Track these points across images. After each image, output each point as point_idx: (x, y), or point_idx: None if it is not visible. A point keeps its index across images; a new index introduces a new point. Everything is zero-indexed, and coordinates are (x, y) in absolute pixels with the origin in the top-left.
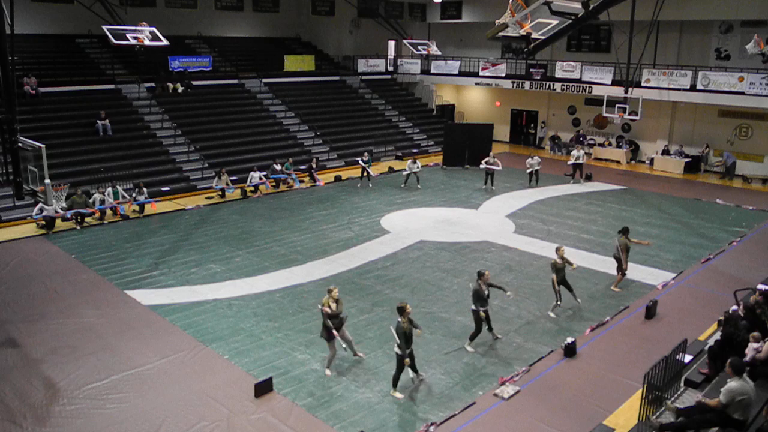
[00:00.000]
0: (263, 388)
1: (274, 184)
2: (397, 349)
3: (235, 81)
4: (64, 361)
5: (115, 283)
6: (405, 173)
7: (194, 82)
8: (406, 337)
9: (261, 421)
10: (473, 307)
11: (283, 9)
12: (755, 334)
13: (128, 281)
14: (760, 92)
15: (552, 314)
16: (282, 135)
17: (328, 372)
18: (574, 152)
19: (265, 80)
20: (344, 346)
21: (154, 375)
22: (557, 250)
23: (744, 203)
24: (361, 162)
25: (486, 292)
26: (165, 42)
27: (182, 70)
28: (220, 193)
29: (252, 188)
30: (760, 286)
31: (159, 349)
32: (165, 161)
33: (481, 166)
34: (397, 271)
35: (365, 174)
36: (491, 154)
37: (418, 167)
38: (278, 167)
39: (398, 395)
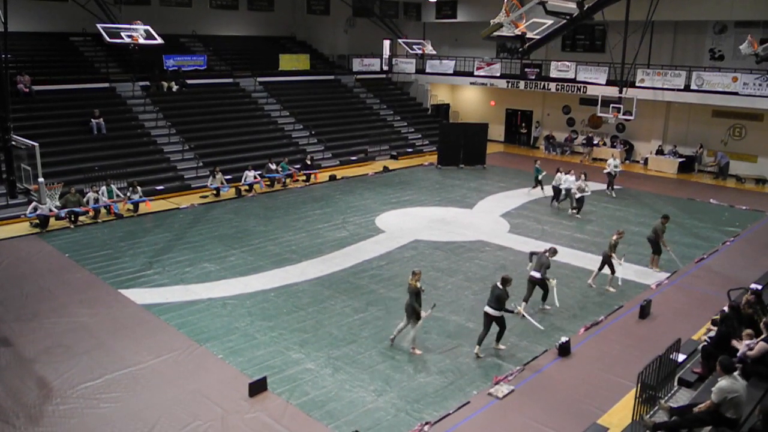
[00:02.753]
0: (257, 388)
1: (268, 183)
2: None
3: (230, 80)
4: (57, 360)
5: (109, 282)
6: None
7: (189, 81)
8: (416, 295)
9: (255, 420)
10: (496, 311)
11: (278, 8)
12: (748, 331)
13: (122, 280)
14: (753, 93)
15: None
16: (277, 134)
17: (417, 351)
18: (611, 161)
19: (260, 79)
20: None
21: (148, 374)
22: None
23: (737, 203)
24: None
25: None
26: (159, 40)
27: (177, 68)
28: (215, 192)
29: (246, 187)
30: (753, 286)
31: (153, 349)
32: (159, 160)
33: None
34: (392, 270)
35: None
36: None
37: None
38: (273, 166)
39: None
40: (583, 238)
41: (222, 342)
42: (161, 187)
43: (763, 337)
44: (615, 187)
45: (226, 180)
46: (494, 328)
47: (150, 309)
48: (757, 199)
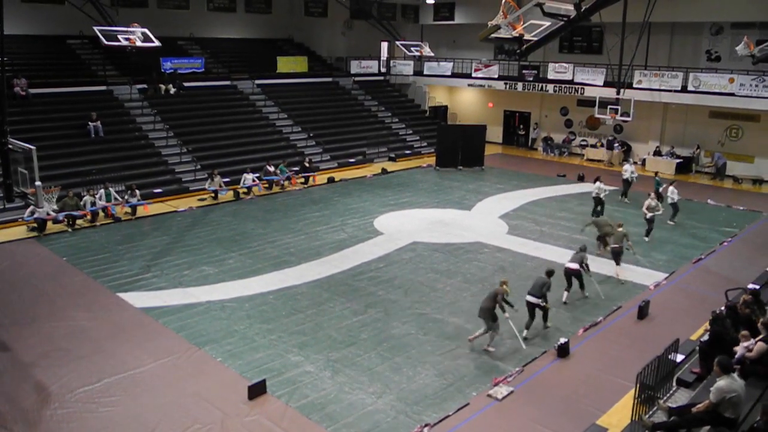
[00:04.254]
0: (257, 391)
1: (266, 185)
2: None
3: (228, 82)
4: (55, 364)
5: (107, 285)
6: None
7: (186, 84)
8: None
9: (254, 423)
10: (539, 300)
11: (276, 10)
12: (744, 332)
13: (120, 283)
14: (750, 93)
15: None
16: (275, 136)
17: (491, 348)
18: (627, 167)
19: (257, 81)
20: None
21: (146, 378)
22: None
23: (734, 204)
24: None
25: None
26: (157, 43)
27: (174, 71)
28: (213, 194)
29: (245, 190)
30: (751, 286)
31: (152, 352)
32: (157, 163)
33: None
34: (391, 272)
35: None
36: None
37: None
38: (271, 169)
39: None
40: (582, 239)
41: (221, 345)
42: (159, 190)
43: (761, 337)
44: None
45: (224, 183)
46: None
47: (148, 312)
48: (754, 200)
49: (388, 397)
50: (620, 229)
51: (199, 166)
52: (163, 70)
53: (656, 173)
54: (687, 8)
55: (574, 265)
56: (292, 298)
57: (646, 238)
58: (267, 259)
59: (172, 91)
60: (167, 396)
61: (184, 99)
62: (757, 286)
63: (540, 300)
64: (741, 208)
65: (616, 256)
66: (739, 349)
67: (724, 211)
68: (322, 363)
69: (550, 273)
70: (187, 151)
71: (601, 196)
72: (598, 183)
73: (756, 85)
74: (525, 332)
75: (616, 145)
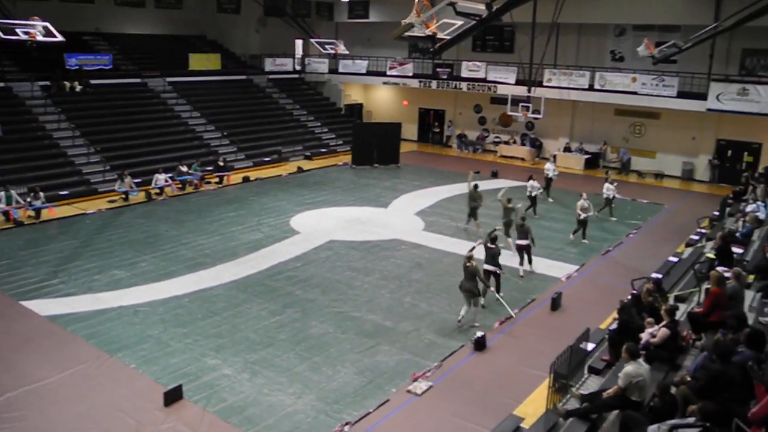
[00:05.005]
0: (173, 397)
1: (180, 186)
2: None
3: (138, 80)
4: None
5: (9, 294)
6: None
7: (93, 81)
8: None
9: (171, 430)
10: (496, 268)
11: (187, 6)
12: (649, 319)
13: (24, 291)
14: (651, 92)
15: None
16: (188, 135)
17: (478, 324)
18: (549, 165)
19: (169, 79)
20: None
21: (55, 389)
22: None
23: (639, 197)
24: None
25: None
26: (60, 38)
27: (80, 68)
28: (124, 196)
29: (157, 190)
30: (654, 275)
31: (60, 362)
32: (63, 164)
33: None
34: (308, 271)
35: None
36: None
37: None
38: (184, 168)
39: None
40: (498, 235)
41: (134, 351)
42: (65, 192)
43: (664, 323)
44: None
45: (136, 183)
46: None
47: (56, 320)
48: (656, 193)
49: (308, 397)
50: (524, 222)
51: (108, 167)
52: (68, 67)
53: (607, 172)
54: (592, 10)
55: (525, 242)
56: (208, 301)
57: (572, 236)
58: (181, 261)
59: (78, 88)
60: (77, 408)
61: (91, 97)
62: (660, 275)
63: (496, 268)
64: (645, 201)
65: (522, 251)
66: (644, 336)
67: (629, 204)
68: (240, 365)
69: (494, 239)
70: (95, 152)
71: (534, 194)
72: (531, 181)
73: (656, 85)
74: (501, 293)
75: (529, 142)
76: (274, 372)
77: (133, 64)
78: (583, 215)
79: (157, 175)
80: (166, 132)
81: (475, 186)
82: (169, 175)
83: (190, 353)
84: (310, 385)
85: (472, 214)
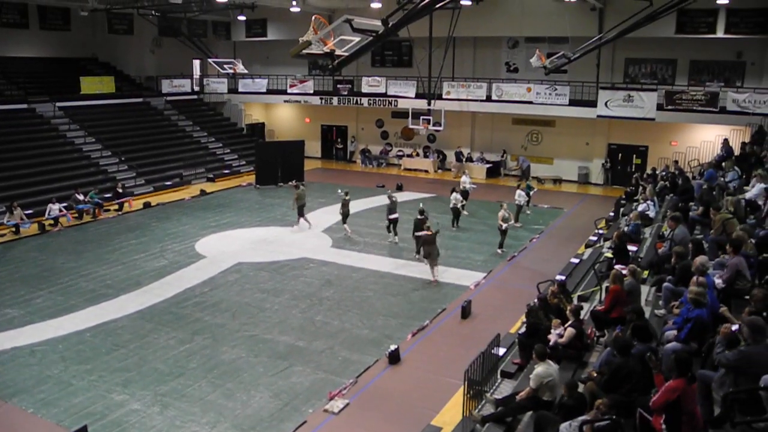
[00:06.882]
0: None
1: (76, 215)
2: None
3: (24, 105)
4: None
5: None
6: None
7: None
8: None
9: None
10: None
11: (76, 27)
12: (556, 320)
13: None
14: (545, 101)
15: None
16: (83, 162)
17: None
18: (465, 177)
19: (59, 104)
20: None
21: None
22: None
23: (539, 203)
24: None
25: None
26: None
27: None
28: (13, 229)
29: (51, 221)
30: (558, 277)
31: None
32: None
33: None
34: (216, 296)
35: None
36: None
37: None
38: (81, 197)
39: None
40: (405, 247)
41: (32, 394)
42: None
43: (569, 323)
44: None
45: (27, 215)
46: None
47: None
48: (555, 198)
49: (223, 425)
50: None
51: None
52: None
53: (519, 179)
54: (486, 24)
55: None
56: (112, 333)
57: (500, 251)
58: (81, 294)
59: None
60: None
61: None
62: (563, 277)
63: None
64: (545, 206)
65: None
66: (552, 337)
67: (531, 209)
68: (149, 399)
69: (421, 212)
70: None
71: (458, 206)
72: (454, 194)
73: (549, 94)
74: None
75: (432, 153)
76: (185, 403)
77: (18, 89)
78: (504, 225)
79: (50, 205)
80: (58, 159)
81: (346, 193)
82: (64, 204)
83: (94, 390)
84: (225, 413)
85: (344, 219)
